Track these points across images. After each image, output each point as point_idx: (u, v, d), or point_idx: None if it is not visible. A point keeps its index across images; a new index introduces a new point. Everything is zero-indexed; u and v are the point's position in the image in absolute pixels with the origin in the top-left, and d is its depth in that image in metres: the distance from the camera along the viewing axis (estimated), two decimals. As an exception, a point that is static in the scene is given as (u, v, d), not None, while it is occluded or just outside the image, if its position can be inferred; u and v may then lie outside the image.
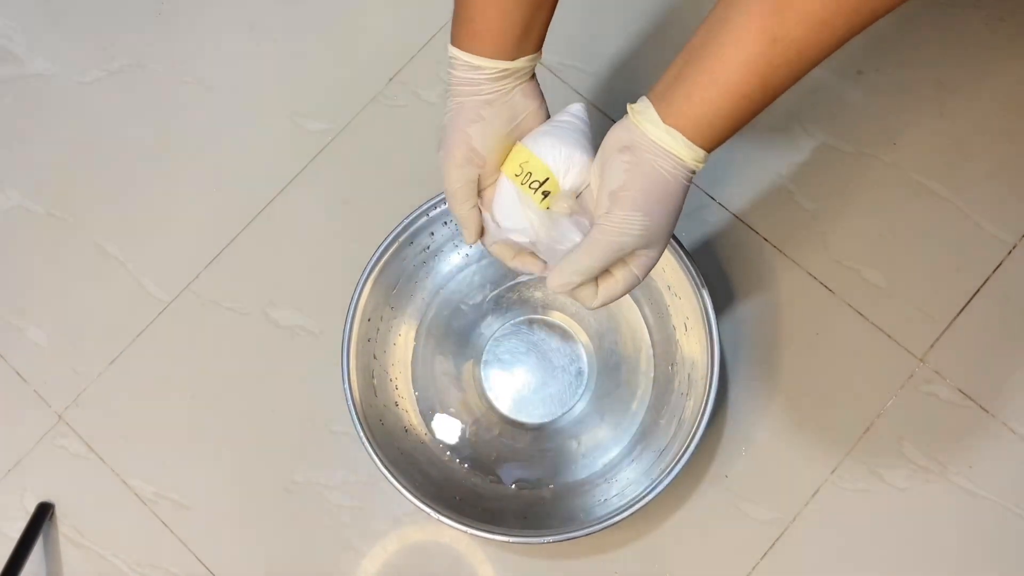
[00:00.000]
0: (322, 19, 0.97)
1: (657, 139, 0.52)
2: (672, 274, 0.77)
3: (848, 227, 0.87)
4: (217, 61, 0.97)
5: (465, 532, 0.72)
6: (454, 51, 0.58)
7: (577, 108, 0.61)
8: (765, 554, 0.82)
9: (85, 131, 0.96)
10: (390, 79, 0.95)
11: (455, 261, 0.85)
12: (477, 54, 0.57)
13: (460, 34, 0.58)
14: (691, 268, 0.75)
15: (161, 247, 0.93)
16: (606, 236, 0.54)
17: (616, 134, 0.55)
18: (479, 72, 0.58)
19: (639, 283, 0.58)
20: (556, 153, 0.58)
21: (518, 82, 0.59)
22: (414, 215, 0.79)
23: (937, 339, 0.85)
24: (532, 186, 0.59)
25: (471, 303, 0.86)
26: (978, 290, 0.86)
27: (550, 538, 0.72)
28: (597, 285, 0.58)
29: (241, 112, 0.96)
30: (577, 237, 0.58)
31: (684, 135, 0.52)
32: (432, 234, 0.81)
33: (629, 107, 0.55)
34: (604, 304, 0.59)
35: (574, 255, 0.56)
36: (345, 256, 0.83)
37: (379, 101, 0.94)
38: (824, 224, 0.88)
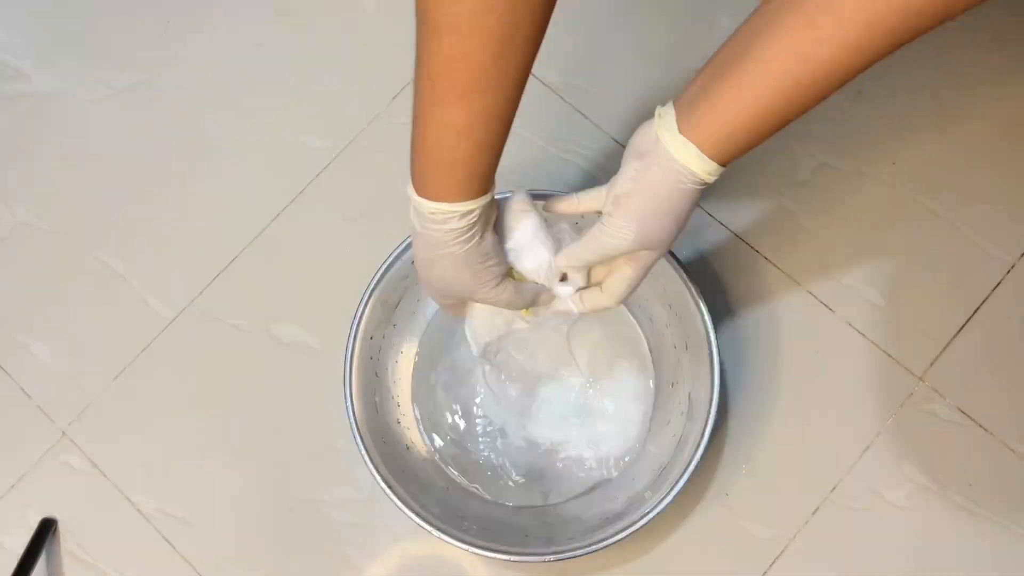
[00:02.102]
0: (327, 38, 0.98)
1: (671, 149, 0.53)
2: (672, 293, 0.78)
3: (848, 246, 0.88)
4: (223, 79, 0.98)
5: (466, 550, 0.73)
6: (440, 206, 0.56)
7: (521, 201, 0.63)
8: (765, 572, 0.82)
9: (91, 148, 0.97)
10: (393, 97, 0.95)
11: (457, 279, 0.85)
12: (471, 199, 0.56)
13: (447, 186, 0.55)
14: (691, 287, 0.75)
15: (165, 264, 0.93)
16: (602, 236, 0.59)
17: (638, 136, 0.56)
18: (472, 215, 0.57)
19: (639, 281, 0.62)
20: (535, 272, 0.64)
21: None
22: (417, 234, 0.79)
23: (937, 358, 0.85)
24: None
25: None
26: (977, 309, 0.86)
27: (551, 556, 0.72)
28: (601, 288, 0.64)
29: (245, 130, 0.96)
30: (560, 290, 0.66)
31: (700, 148, 0.52)
32: (434, 252, 0.82)
33: (657, 110, 0.56)
34: (614, 303, 0.64)
35: (573, 247, 0.62)
36: (348, 273, 0.83)
37: (382, 119, 0.95)
38: (824, 243, 0.88)
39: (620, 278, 0.62)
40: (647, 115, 0.57)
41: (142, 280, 0.93)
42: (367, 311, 0.79)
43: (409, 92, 0.95)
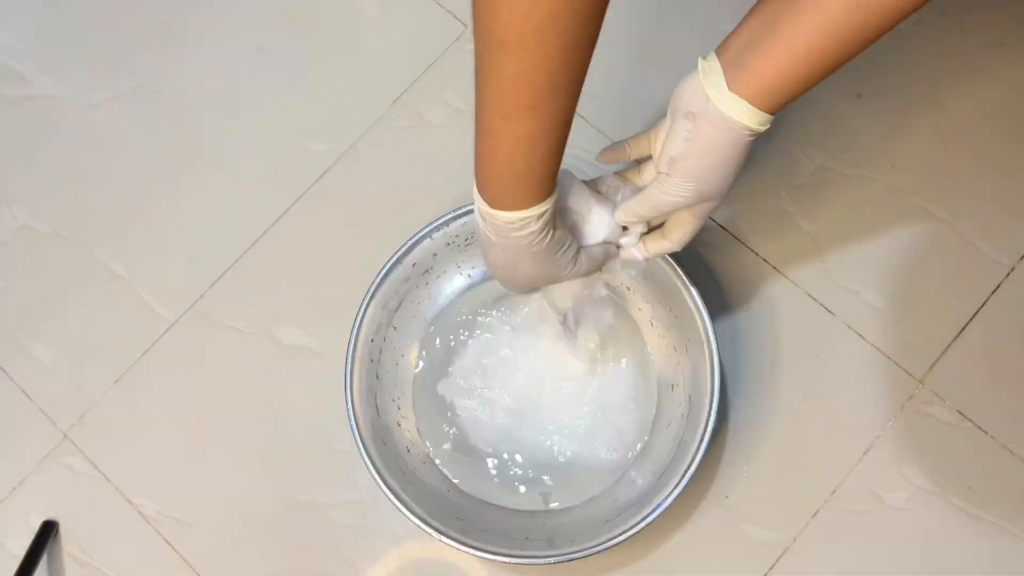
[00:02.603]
0: (327, 41, 0.99)
1: (723, 107, 0.53)
2: (672, 295, 0.78)
3: (848, 249, 0.88)
4: (223, 82, 0.98)
5: (466, 552, 0.73)
6: (518, 215, 0.57)
7: (571, 181, 0.64)
8: (765, 575, 0.82)
9: (92, 152, 0.97)
10: (394, 101, 0.96)
11: (458, 282, 0.86)
12: (544, 200, 0.57)
13: (524, 194, 0.57)
14: (691, 289, 0.75)
15: (166, 266, 0.94)
16: (660, 195, 0.60)
17: (684, 95, 0.56)
18: (547, 214, 0.58)
19: (699, 227, 0.64)
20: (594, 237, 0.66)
21: None
22: (417, 236, 0.79)
23: (936, 360, 0.85)
24: None
25: (474, 323, 0.86)
26: (977, 312, 0.86)
27: (551, 559, 0.72)
28: (663, 235, 0.65)
29: (247, 133, 0.97)
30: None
31: (751, 102, 0.53)
32: (435, 255, 0.82)
33: (700, 64, 0.55)
34: (679, 247, 0.66)
35: (632, 204, 0.63)
36: (349, 276, 0.83)
37: (383, 123, 0.95)
38: (824, 246, 0.88)
39: (683, 228, 0.64)
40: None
41: (143, 283, 0.93)
42: (368, 314, 0.79)
43: (410, 96, 0.96)
